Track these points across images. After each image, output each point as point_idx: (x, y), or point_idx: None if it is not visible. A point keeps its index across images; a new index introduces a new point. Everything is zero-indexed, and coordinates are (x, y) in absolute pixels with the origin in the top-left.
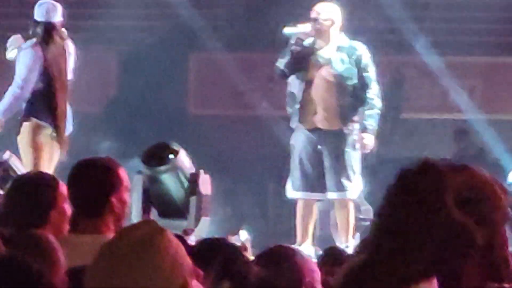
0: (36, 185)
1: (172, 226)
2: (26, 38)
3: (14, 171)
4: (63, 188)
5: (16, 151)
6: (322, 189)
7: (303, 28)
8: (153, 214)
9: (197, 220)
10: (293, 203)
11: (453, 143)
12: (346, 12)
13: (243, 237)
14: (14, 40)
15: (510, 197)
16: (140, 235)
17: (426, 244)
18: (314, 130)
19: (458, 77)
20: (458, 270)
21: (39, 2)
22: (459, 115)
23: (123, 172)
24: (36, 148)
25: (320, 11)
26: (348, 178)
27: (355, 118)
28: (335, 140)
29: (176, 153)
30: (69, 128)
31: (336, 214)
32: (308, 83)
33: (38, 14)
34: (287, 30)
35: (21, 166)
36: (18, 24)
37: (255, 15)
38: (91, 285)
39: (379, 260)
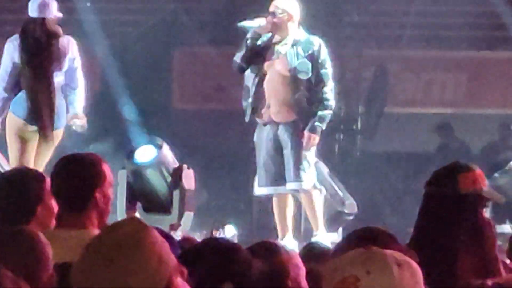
0: (23, 181)
1: (156, 221)
2: None
3: None
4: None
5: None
6: (284, 182)
7: (259, 21)
8: (138, 209)
9: (181, 215)
10: None
11: (437, 137)
12: (330, 6)
13: (230, 232)
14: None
15: (496, 191)
16: (125, 232)
17: None
18: (271, 123)
19: (442, 71)
20: (451, 267)
21: None
22: (443, 109)
23: (106, 167)
24: (20, 144)
25: (278, 5)
26: (303, 169)
27: (310, 111)
28: (292, 131)
29: (159, 147)
30: (62, 122)
31: (302, 203)
32: (262, 77)
33: (31, 10)
34: (243, 24)
35: (5, 163)
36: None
37: (239, 10)
38: (77, 283)
39: None
